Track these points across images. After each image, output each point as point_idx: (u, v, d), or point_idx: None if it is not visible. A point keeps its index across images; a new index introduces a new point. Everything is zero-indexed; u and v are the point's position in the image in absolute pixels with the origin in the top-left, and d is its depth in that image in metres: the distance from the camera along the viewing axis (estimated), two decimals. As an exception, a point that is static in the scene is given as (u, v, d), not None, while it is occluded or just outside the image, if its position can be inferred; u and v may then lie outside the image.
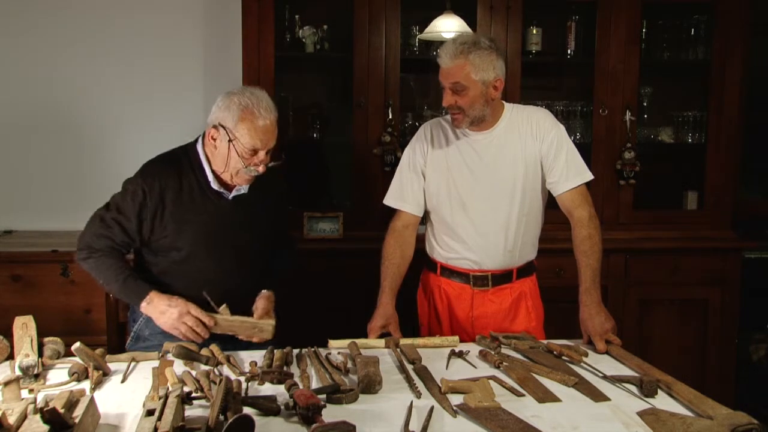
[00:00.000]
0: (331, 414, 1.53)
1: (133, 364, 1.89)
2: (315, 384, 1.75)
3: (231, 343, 2.14)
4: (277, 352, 1.92)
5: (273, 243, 2.31)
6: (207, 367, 1.83)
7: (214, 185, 2.12)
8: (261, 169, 2.06)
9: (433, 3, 3.08)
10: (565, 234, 2.31)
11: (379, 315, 2.23)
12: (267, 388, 1.72)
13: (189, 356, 1.85)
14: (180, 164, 2.13)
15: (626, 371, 1.87)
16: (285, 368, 1.83)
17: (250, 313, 2.10)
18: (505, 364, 1.87)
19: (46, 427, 1.35)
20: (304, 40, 3.30)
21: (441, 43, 2.75)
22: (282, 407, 1.56)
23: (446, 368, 1.89)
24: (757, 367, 3.61)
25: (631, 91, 3.33)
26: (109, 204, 2.14)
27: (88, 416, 1.45)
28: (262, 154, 2.05)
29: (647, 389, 1.68)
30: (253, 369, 1.81)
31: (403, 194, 2.38)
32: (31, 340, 1.78)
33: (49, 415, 1.36)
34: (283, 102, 3.23)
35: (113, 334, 2.34)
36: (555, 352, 1.97)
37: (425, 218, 2.42)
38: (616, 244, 3.22)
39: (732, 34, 3.33)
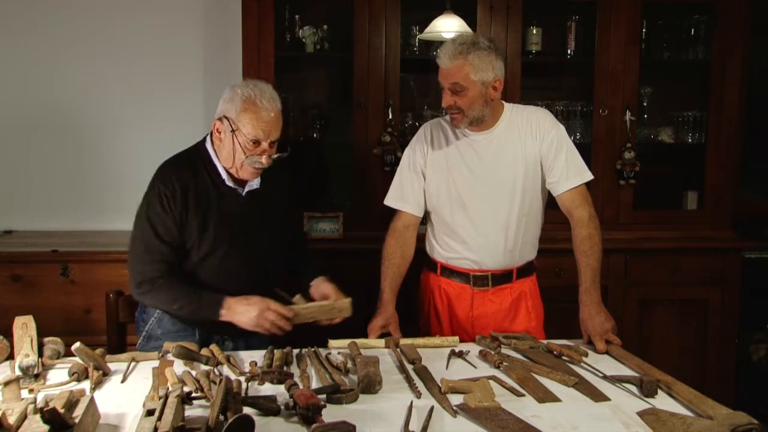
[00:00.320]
0: (331, 414, 1.53)
1: (133, 364, 1.89)
2: (315, 384, 1.75)
3: (232, 343, 2.16)
4: (277, 352, 1.92)
5: (291, 238, 2.32)
6: (207, 367, 1.84)
7: (229, 182, 2.12)
8: (264, 160, 2.06)
9: (433, 3, 3.08)
10: (565, 234, 2.31)
11: (379, 315, 2.23)
12: (267, 388, 1.72)
13: (189, 356, 1.85)
14: (193, 164, 2.12)
15: (626, 371, 1.87)
16: (285, 368, 1.83)
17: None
18: (505, 364, 1.87)
19: (46, 427, 1.35)
20: (304, 40, 3.30)
21: (441, 43, 2.75)
22: (282, 407, 1.56)
23: (446, 368, 1.89)
24: (757, 367, 3.61)
25: (631, 91, 3.33)
26: (141, 228, 2.07)
27: (88, 416, 1.45)
28: (265, 145, 2.05)
29: (647, 389, 1.68)
30: (253, 369, 1.81)
31: (403, 194, 2.38)
32: (31, 340, 1.78)
33: (49, 415, 1.36)
34: (283, 102, 3.21)
35: (113, 334, 2.33)
36: (555, 352, 1.97)
37: (425, 218, 2.42)
38: (616, 244, 3.22)
39: (732, 34, 3.32)
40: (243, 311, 2.03)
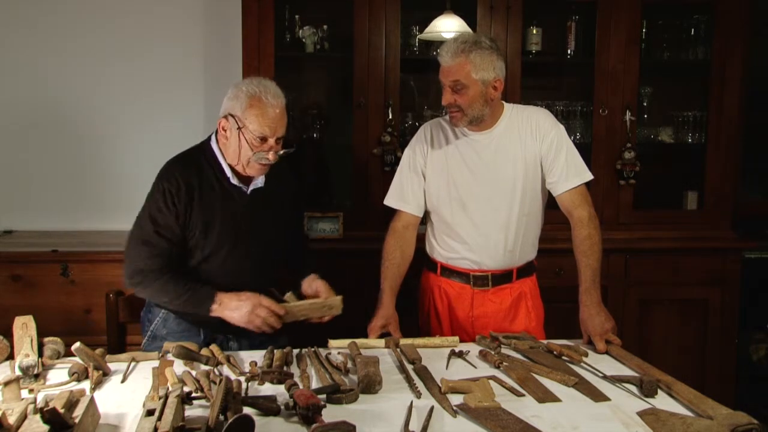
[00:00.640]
0: (331, 414, 1.53)
1: (133, 364, 1.89)
2: (315, 384, 1.75)
3: (234, 342, 2.15)
4: (277, 352, 1.92)
5: (293, 236, 2.32)
6: (207, 367, 1.83)
7: (233, 180, 2.12)
8: (271, 156, 2.06)
9: (433, 3, 3.09)
10: (565, 234, 2.31)
11: (379, 315, 2.23)
12: (267, 388, 1.72)
13: (189, 356, 1.85)
14: (198, 163, 2.12)
15: (626, 371, 1.87)
16: (285, 368, 1.83)
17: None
18: (505, 364, 1.87)
19: (46, 427, 1.35)
20: (304, 40, 3.30)
21: (441, 43, 2.75)
22: (282, 407, 1.56)
23: (446, 368, 1.89)
24: (757, 367, 3.61)
25: (631, 91, 3.33)
26: (142, 223, 2.07)
27: (88, 416, 1.45)
28: (271, 141, 2.06)
29: (647, 389, 1.68)
30: (253, 369, 1.81)
31: (403, 194, 2.38)
32: (31, 340, 1.78)
33: (49, 415, 1.36)
34: (285, 103, 3.23)
35: (113, 334, 2.33)
36: (555, 352, 1.97)
37: (425, 218, 2.42)
38: (616, 244, 3.22)
39: (732, 34, 3.33)
40: (234, 307, 2.03)
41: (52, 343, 1.91)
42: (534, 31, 3.35)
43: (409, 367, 1.86)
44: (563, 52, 3.46)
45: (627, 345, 2.07)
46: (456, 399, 1.64)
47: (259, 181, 2.16)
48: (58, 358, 1.90)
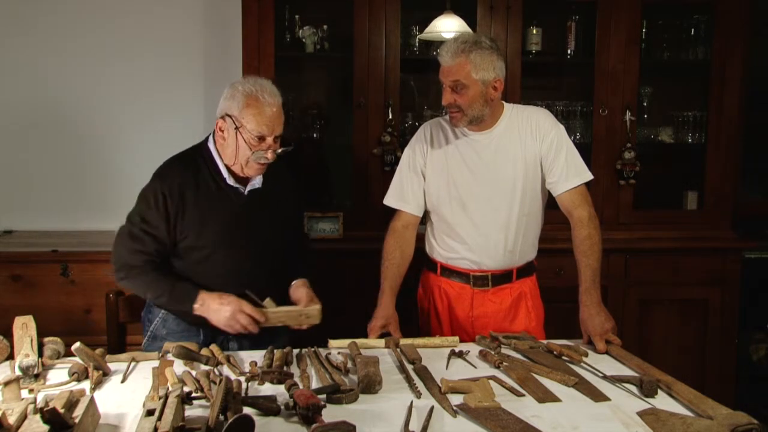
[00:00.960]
0: (331, 414, 1.53)
1: (133, 364, 1.89)
2: (315, 384, 1.75)
3: (234, 342, 2.15)
4: (277, 352, 1.92)
5: (292, 238, 2.31)
6: (207, 367, 1.83)
7: (230, 181, 2.12)
8: (270, 155, 2.06)
9: (433, 3, 3.09)
10: (565, 234, 2.31)
11: (379, 315, 2.23)
12: (267, 388, 1.72)
13: (189, 356, 1.85)
14: (194, 163, 2.12)
15: (626, 371, 1.87)
16: (285, 368, 1.83)
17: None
18: (505, 364, 1.87)
19: (46, 427, 1.35)
20: (304, 40, 3.30)
21: (441, 43, 2.75)
22: (282, 407, 1.56)
23: (446, 368, 1.89)
24: (757, 367, 3.61)
25: (631, 91, 3.34)
26: (132, 217, 2.10)
27: (88, 416, 1.45)
28: (269, 140, 2.06)
29: (647, 389, 1.68)
30: (253, 369, 1.81)
31: (403, 194, 2.38)
32: (31, 340, 1.78)
33: (49, 415, 1.36)
34: (283, 102, 3.23)
35: (113, 334, 2.33)
36: (555, 352, 1.97)
37: (425, 218, 2.42)
38: (616, 244, 3.22)
39: (732, 34, 3.33)
40: (216, 309, 2.03)
41: (52, 343, 1.91)
42: (534, 31, 3.35)
43: (409, 367, 1.86)
44: (563, 52, 3.46)
45: (627, 345, 2.06)
46: (456, 399, 1.64)
47: (257, 182, 2.15)
48: (58, 358, 1.90)
